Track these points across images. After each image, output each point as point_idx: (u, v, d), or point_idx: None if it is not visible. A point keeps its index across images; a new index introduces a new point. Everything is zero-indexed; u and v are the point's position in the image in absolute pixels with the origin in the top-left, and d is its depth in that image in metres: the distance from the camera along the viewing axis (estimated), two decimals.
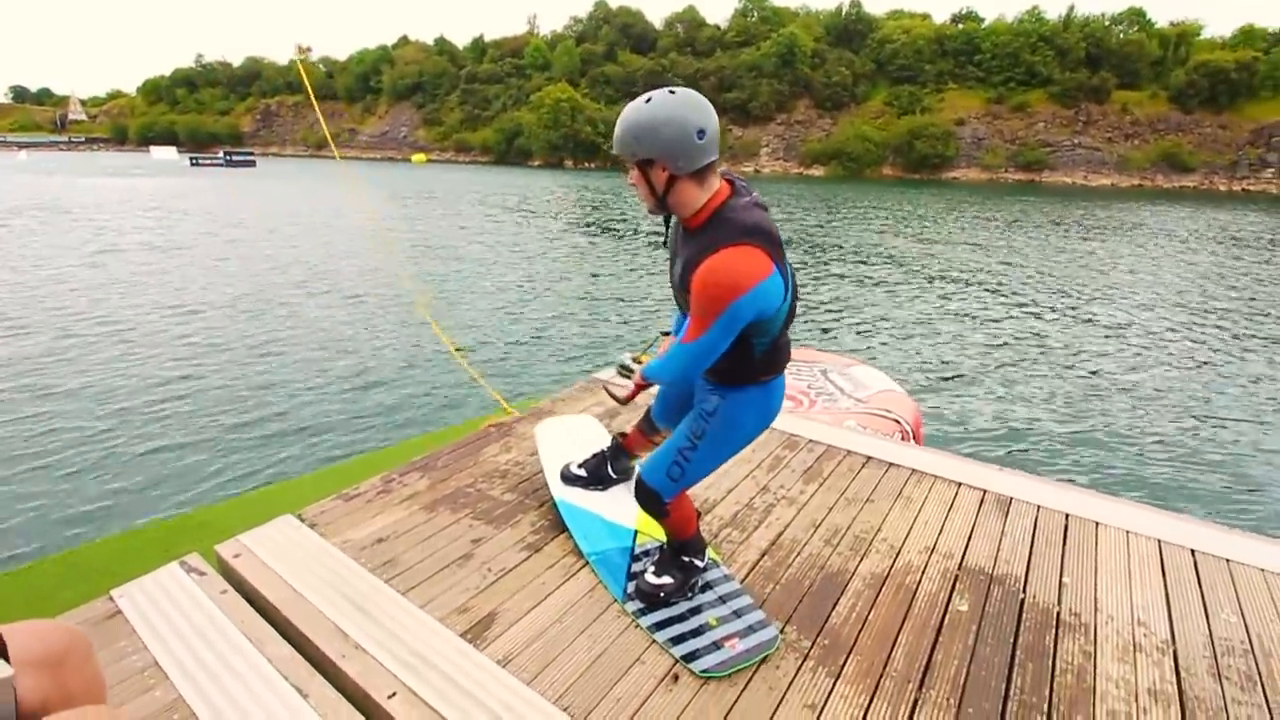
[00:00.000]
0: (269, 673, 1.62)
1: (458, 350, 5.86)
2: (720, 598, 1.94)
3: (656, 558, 2.01)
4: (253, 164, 52.20)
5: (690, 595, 1.93)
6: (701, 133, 1.44)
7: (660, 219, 1.64)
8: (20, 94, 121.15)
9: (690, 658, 1.71)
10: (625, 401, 1.92)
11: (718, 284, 1.43)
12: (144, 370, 6.47)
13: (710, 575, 2.02)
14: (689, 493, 1.91)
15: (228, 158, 53.75)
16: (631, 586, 1.96)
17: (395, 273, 11.77)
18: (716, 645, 1.75)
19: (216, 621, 1.79)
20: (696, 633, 1.80)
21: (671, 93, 1.46)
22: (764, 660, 1.73)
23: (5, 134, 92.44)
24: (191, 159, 53.41)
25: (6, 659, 0.85)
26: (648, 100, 1.47)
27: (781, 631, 1.83)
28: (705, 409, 1.74)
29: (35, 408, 5.49)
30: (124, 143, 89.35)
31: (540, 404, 3.39)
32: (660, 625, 1.82)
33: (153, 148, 70.64)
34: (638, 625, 1.84)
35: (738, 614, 1.87)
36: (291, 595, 1.88)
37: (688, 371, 1.59)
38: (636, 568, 2.05)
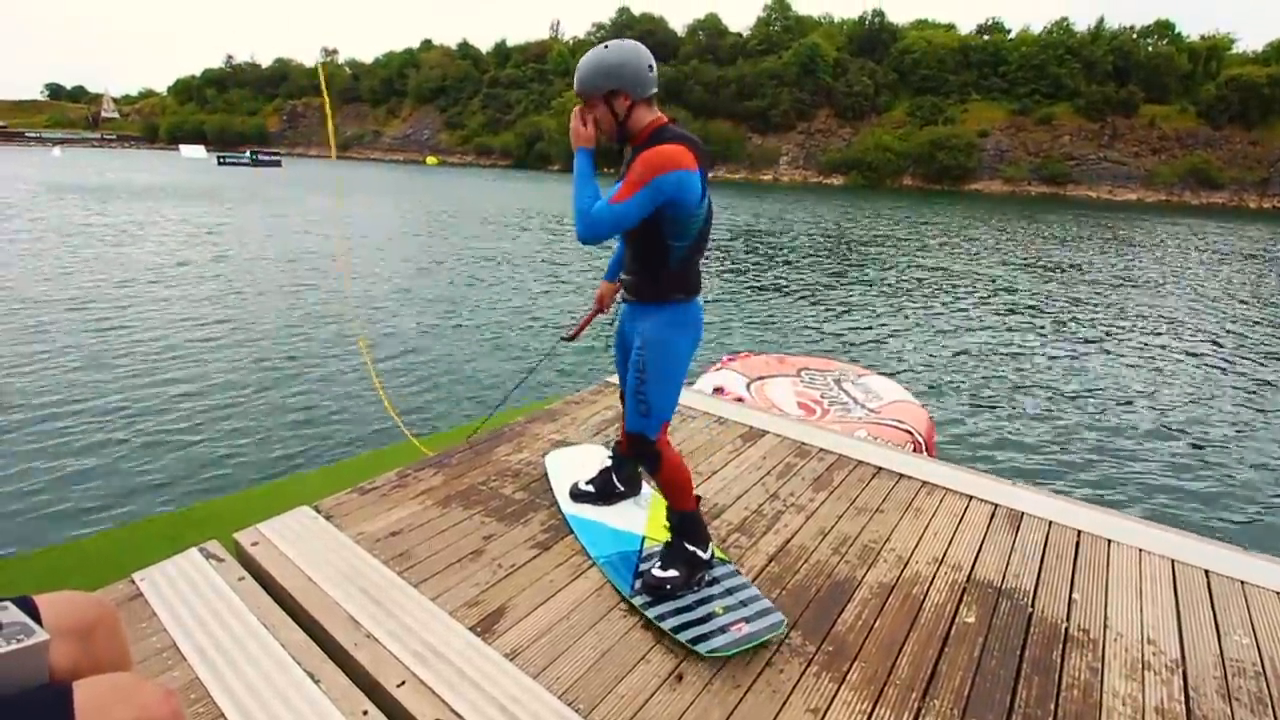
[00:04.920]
0: (283, 658, 1.67)
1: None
2: (727, 590, 1.97)
3: (662, 552, 2.05)
4: (278, 164, 52.91)
5: (697, 588, 1.96)
6: (650, 66, 1.82)
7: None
8: (55, 91, 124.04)
9: (697, 640, 1.74)
10: (574, 337, 2.46)
11: (650, 160, 1.71)
12: (169, 362, 6.61)
13: (716, 572, 2.05)
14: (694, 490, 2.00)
15: (254, 157, 54.71)
16: (638, 582, 1.99)
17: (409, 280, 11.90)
18: (723, 629, 1.78)
19: (233, 606, 1.84)
20: (703, 620, 1.83)
21: (621, 41, 1.82)
22: (768, 664, 1.74)
23: (40, 130, 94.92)
24: (219, 158, 54.44)
25: (40, 626, 0.90)
26: (605, 47, 1.81)
27: (787, 635, 1.84)
28: (637, 345, 1.95)
29: (62, 398, 5.63)
30: (154, 141, 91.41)
31: (553, 404, 3.42)
32: (666, 616, 1.85)
33: (182, 146, 72.07)
34: (644, 623, 1.86)
35: (744, 603, 1.90)
36: (306, 584, 1.93)
37: (600, 222, 1.73)
38: (644, 567, 2.08)
